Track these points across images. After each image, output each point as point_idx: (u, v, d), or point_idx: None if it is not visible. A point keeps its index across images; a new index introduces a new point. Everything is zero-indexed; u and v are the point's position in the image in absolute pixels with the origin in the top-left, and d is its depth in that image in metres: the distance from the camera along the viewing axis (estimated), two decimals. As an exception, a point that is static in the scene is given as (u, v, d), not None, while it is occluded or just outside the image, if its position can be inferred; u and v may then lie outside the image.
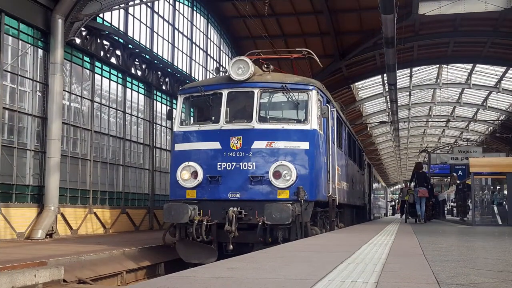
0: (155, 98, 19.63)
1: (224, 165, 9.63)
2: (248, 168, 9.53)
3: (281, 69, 25.05)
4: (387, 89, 30.74)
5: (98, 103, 16.42)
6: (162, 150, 20.92)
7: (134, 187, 18.38)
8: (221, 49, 26.94)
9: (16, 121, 13.17)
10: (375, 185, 27.27)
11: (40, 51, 13.84)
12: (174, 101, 21.07)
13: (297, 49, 13.11)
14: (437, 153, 35.15)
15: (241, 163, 9.57)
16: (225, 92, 10.12)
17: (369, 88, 37.37)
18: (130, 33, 17.95)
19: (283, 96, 10.20)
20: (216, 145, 9.83)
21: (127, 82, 17.91)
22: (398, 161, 62.44)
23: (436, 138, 60.74)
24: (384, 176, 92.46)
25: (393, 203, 57.18)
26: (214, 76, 11.60)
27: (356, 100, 37.40)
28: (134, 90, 18.45)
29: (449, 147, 37.89)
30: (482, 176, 16.32)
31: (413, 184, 16.59)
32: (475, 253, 6.64)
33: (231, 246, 9.27)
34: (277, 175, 9.38)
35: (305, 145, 9.66)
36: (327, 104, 10.75)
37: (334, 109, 11.61)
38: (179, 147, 10.27)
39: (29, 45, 13.54)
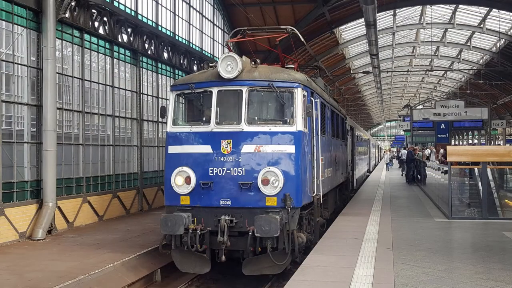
0: (141, 65, 19.52)
1: (215, 170, 10.11)
2: (238, 173, 10.01)
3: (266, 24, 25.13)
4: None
5: (89, 80, 16.30)
6: (150, 122, 20.63)
7: (123, 167, 18.23)
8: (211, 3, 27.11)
9: (14, 111, 13.32)
10: (358, 148, 27.08)
11: (33, 33, 13.82)
12: (160, 66, 21.29)
13: (281, 26, 13.60)
14: (419, 109, 35.69)
15: (231, 169, 10.05)
16: (215, 91, 10.49)
17: (354, 28, 37.26)
18: (115, -1, 17.88)
19: (270, 94, 10.57)
20: (207, 148, 10.26)
21: (115, 52, 17.84)
22: (380, 102, 62.93)
23: (418, 83, 62.25)
24: (367, 118, 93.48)
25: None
26: (202, 67, 11.90)
27: (339, 43, 37.43)
28: (121, 60, 18.34)
29: (432, 101, 38.28)
30: (459, 166, 16.24)
31: None
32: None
33: (223, 258, 9.95)
34: (265, 181, 9.84)
35: (291, 149, 10.08)
36: (311, 98, 11.22)
37: (318, 100, 11.97)
38: (172, 149, 10.71)
39: (23, 28, 13.44)
